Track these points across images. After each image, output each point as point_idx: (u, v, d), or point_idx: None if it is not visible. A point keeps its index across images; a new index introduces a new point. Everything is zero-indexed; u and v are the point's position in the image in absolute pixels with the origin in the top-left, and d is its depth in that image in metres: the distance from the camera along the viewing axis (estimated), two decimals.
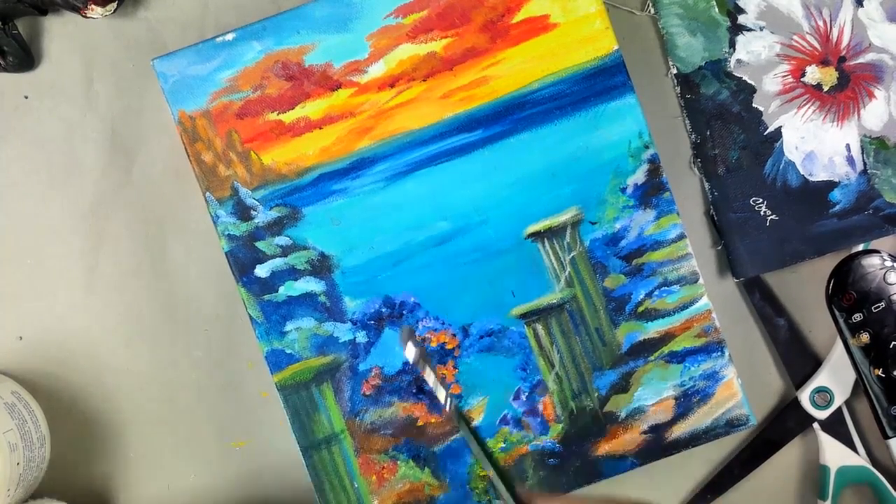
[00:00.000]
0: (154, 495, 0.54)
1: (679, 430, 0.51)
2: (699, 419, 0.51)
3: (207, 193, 0.50)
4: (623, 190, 0.51)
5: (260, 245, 0.50)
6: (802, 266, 0.55)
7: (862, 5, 0.53)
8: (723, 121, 0.54)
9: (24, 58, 0.52)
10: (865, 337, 0.52)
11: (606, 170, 0.51)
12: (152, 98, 0.53)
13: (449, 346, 0.51)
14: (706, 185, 0.54)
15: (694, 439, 0.51)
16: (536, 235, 0.51)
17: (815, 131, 0.54)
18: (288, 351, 0.50)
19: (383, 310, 0.51)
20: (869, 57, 0.54)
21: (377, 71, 0.50)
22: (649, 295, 0.51)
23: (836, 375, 0.54)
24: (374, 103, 0.50)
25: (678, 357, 0.51)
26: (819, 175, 0.54)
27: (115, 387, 0.54)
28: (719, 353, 0.51)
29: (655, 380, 0.51)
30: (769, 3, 0.53)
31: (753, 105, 0.54)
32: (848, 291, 0.52)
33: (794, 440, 0.55)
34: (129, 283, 0.54)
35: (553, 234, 0.51)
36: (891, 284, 0.52)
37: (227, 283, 0.51)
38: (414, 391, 0.51)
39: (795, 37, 0.54)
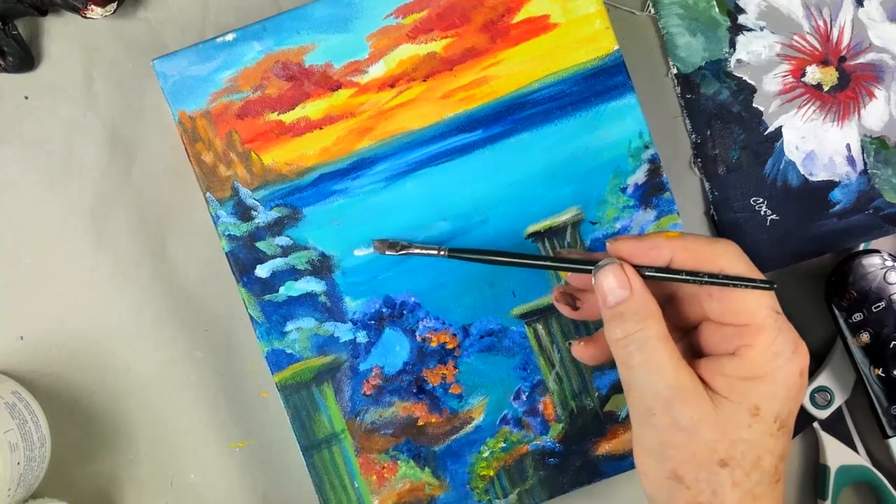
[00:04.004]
0: (154, 495, 0.54)
1: None
2: None
3: (208, 194, 0.50)
4: (623, 190, 0.51)
5: (260, 245, 0.50)
6: (802, 266, 0.55)
7: (862, 5, 0.53)
8: (723, 121, 0.54)
9: (24, 58, 0.52)
10: (865, 337, 0.52)
11: (607, 170, 0.51)
12: (152, 98, 0.53)
13: (449, 346, 0.51)
14: (706, 185, 0.54)
15: None
16: (537, 235, 0.51)
17: (815, 131, 0.54)
18: (288, 351, 0.50)
19: (384, 310, 0.51)
20: (869, 57, 0.54)
21: (377, 71, 0.50)
22: None
23: (836, 375, 0.54)
24: (374, 103, 0.50)
25: None
26: (819, 175, 0.54)
27: (116, 387, 0.54)
28: None
29: None
30: (769, 3, 0.53)
31: (754, 105, 0.54)
32: (848, 291, 0.52)
33: (794, 440, 0.55)
34: (129, 283, 0.54)
35: (553, 234, 0.51)
36: (891, 284, 0.52)
37: (228, 283, 0.51)
38: (414, 391, 0.51)
39: (796, 37, 0.54)
